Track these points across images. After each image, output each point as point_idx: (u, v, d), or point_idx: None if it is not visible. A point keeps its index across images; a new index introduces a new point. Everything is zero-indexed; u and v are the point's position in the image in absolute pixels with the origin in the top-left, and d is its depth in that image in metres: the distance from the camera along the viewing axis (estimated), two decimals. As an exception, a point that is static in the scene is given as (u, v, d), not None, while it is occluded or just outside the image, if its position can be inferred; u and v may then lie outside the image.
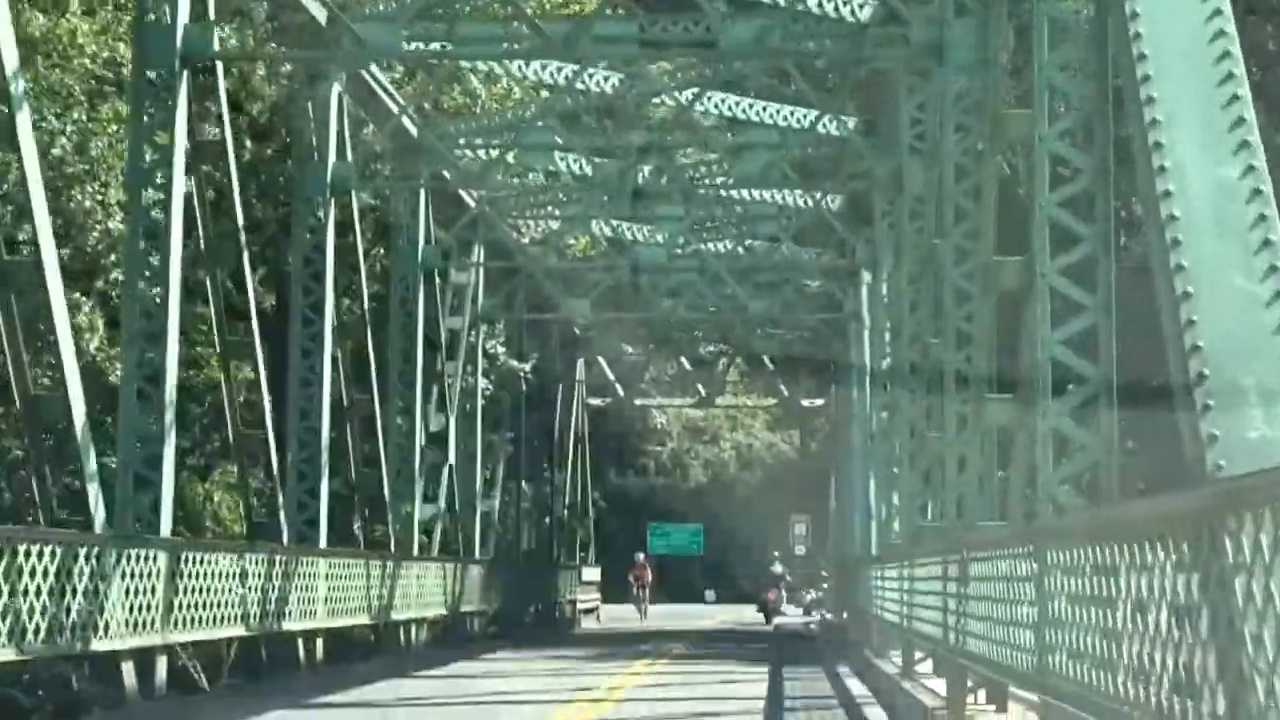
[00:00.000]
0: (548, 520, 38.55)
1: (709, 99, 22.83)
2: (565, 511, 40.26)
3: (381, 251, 27.85)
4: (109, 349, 23.00)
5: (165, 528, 14.92)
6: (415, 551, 24.05)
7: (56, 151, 23.74)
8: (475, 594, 27.62)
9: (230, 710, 14.71)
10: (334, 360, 20.44)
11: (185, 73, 15.14)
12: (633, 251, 29.32)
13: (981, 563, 11.22)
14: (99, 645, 12.83)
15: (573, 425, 40.54)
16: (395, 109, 21.75)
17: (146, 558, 13.68)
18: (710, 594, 60.49)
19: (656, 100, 23.96)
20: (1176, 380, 5.75)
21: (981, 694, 13.24)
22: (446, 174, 24.50)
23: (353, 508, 22.98)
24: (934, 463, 17.11)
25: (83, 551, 12.44)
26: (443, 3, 18.30)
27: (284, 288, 23.99)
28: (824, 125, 23.18)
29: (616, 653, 25.25)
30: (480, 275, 28.12)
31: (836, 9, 18.31)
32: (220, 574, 15.38)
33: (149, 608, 13.70)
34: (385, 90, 21.38)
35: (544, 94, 24.61)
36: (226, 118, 16.93)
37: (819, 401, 44.23)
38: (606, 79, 22.37)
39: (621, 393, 43.75)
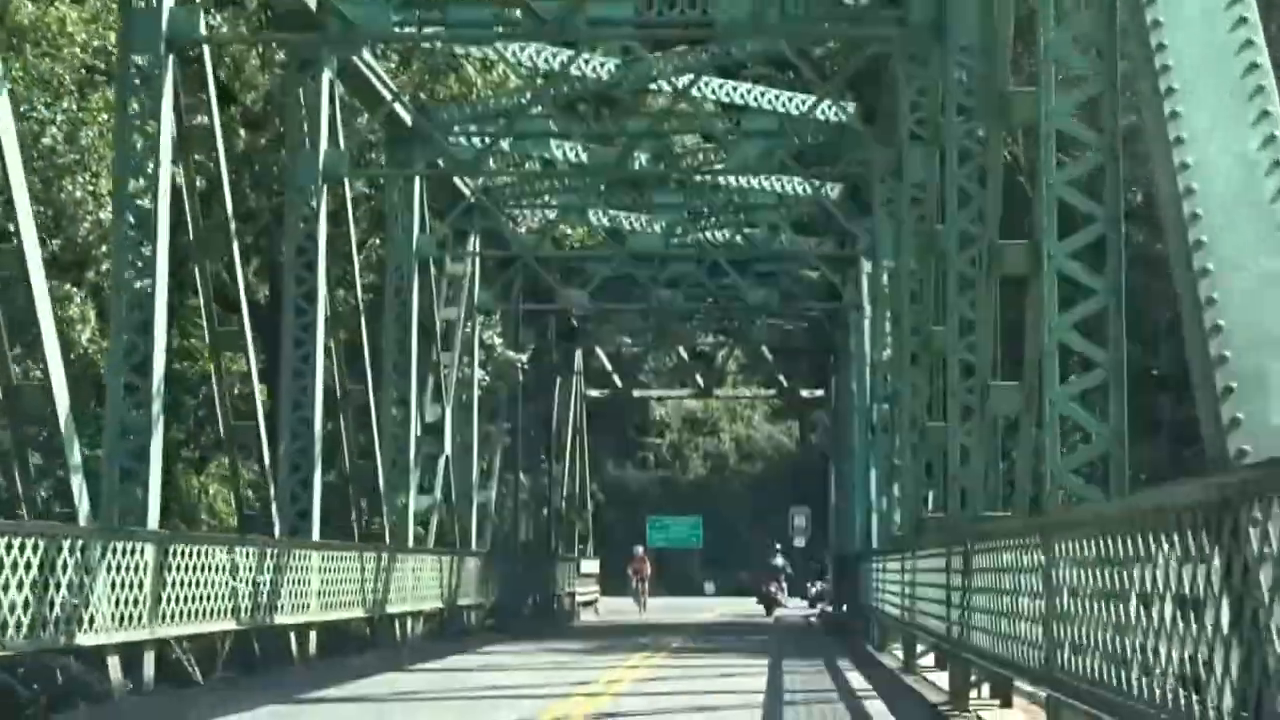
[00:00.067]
0: (545, 512, 38.30)
1: (706, 84, 22.55)
2: (563, 503, 40.01)
3: (377, 242, 27.60)
4: (101, 341, 22.75)
5: (153, 520, 14.65)
6: (411, 543, 23.79)
7: (47, 141, 23.46)
8: (472, 586, 27.37)
9: (220, 704, 14.43)
10: (328, 350, 20.18)
11: (172, 58, 14.85)
12: (631, 240, 29.04)
13: (986, 554, 10.97)
14: (84, 640, 12.57)
15: (570, 416, 40.27)
16: (389, 96, 21.43)
17: (133, 551, 13.41)
18: (710, 586, 60.26)
19: (654, 87, 23.66)
20: (1194, 362, 5.47)
21: (985, 688, 13.02)
22: (441, 163, 24.20)
23: (348, 500, 22.73)
24: (936, 453, 16.88)
25: (66, 544, 12.17)
26: (435, -15, 18.02)
27: (278, 278, 23.73)
28: (823, 112, 22.89)
29: (615, 646, 25.02)
30: (476, 265, 27.85)
31: (834, -12, 18.03)
32: (210, 567, 15.11)
33: (136, 601, 13.43)
34: (378, 77, 21.08)
35: (540, 81, 24.32)
36: (215, 104, 16.62)
37: (819, 392, 43.98)
38: (603, 64, 22.08)
39: (620, 384, 43.49)
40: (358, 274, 22.35)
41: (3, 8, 19.68)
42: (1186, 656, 5.67)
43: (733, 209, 28.99)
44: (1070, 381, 9.14)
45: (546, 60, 21.93)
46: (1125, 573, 6.48)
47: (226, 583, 15.61)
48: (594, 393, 43.35)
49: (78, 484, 12.98)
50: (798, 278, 32.77)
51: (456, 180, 26.20)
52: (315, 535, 19.11)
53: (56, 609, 11.92)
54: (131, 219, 14.80)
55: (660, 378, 50.35)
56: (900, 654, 18.75)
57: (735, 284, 29.66)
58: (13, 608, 11.26)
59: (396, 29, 17.96)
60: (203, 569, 14.91)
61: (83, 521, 13.13)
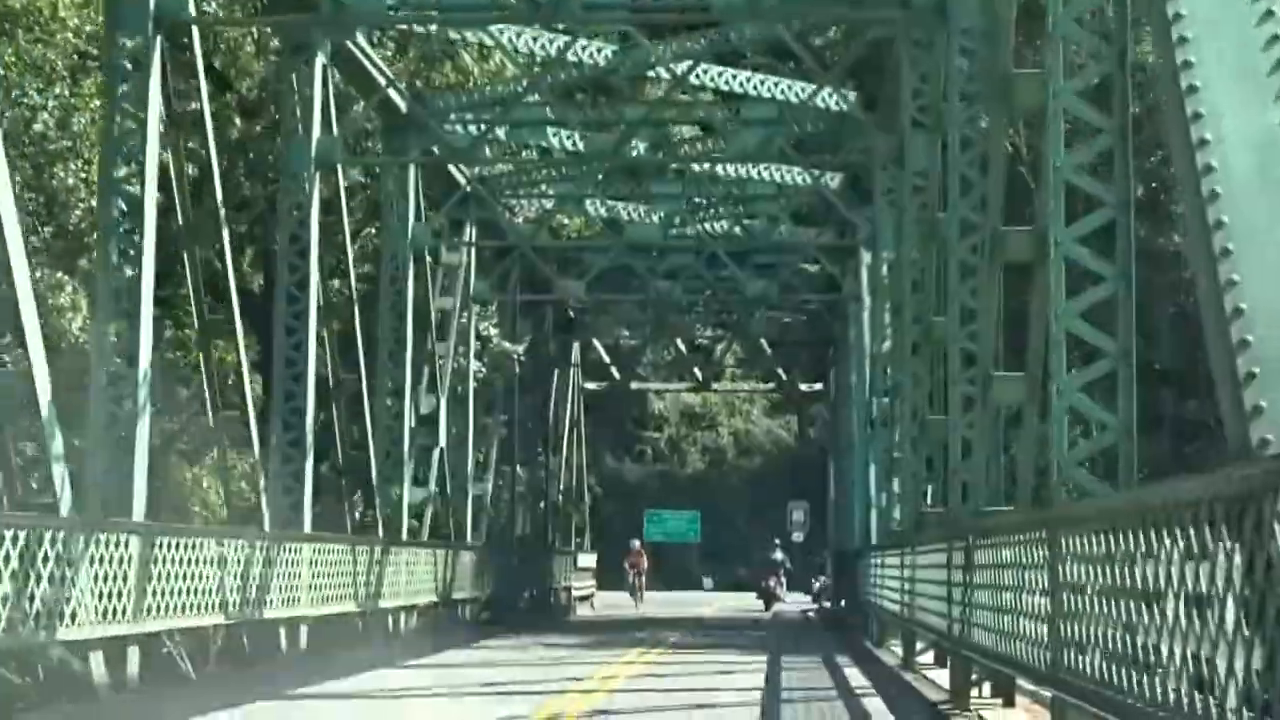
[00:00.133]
0: (542, 505, 38.05)
1: (705, 72, 22.26)
2: (560, 496, 39.75)
3: (373, 231, 27.33)
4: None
5: (138, 511, 14.37)
6: (405, 536, 23.53)
7: (38, 127, 23.20)
8: (467, 580, 27.12)
9: (206, 700, 14.19)
10: (321, 340, 19.91)
11: (160, 39, 14.55)
12: (628, 231, 28.76)
13: (988, 550, 10.71)
14: (66, 634, 12.27)
15: (568, 409, 40.01)
16: (383, 81, 21.14)
17: (117, 543, 13.11)
18: (708, 581, 60.05)
19: (651, 74, 23.37)
20: (1214, 347, 5.18)
21: (987, 686, 12.78)
22: (436, 150, 23.90)
23: (342, 492, 22.47)
24: (936, 447, 16.64)
25: (48, 536, 11.87)
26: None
27: (272, 267, 23.47)
28: (823, 100, 22.61)
29: (611, 641, 24.79)
30: (472, 255, 27.59)
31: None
32: (197, 560, 14.82)
33: (120, 595, 13.14)
34: (373, 63, 20.79)
35: (536, 69, 24.02)
36: (204, 87, 16.32)
37: (817, 386, 43.74)
38: (600, 51, 21.79)
39: (618, 376, 43.23)
40: (351, 262, 22.06)
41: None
42: (1203, 657, 5.42)
43: (732, 200, 28.72)
44: (1077, 371, 8.84)
45: (543, 46, 21.65)
46: (1135, 569, 6.22)
47: (214, 576, 15.32)
48: (591, 385, 43.10)
49: (59, 474, 12.68)
50: (797, 270, 32.50)
51: (452, 169, 25.92)
52: (307, 528, 18.83)
53: (37, 602, 11.63)
54: (118, 204, 14.50)
55: (658, 371, 50.07)
56: (899, 650, 18.52)
57: (734, 276, 29.37)
58: (-9, 601, 10.98)
59: (391, 12, 17.65)
60: (190, 562, 14.62)
61: (65, 512, 12.83)
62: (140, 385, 14.28)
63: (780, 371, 43.20)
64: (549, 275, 28.86)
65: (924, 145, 17.40)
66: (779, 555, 44.38)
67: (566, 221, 31.70)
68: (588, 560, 42.91)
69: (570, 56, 21.39)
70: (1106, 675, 6.91)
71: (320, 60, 18.92)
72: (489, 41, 22.19)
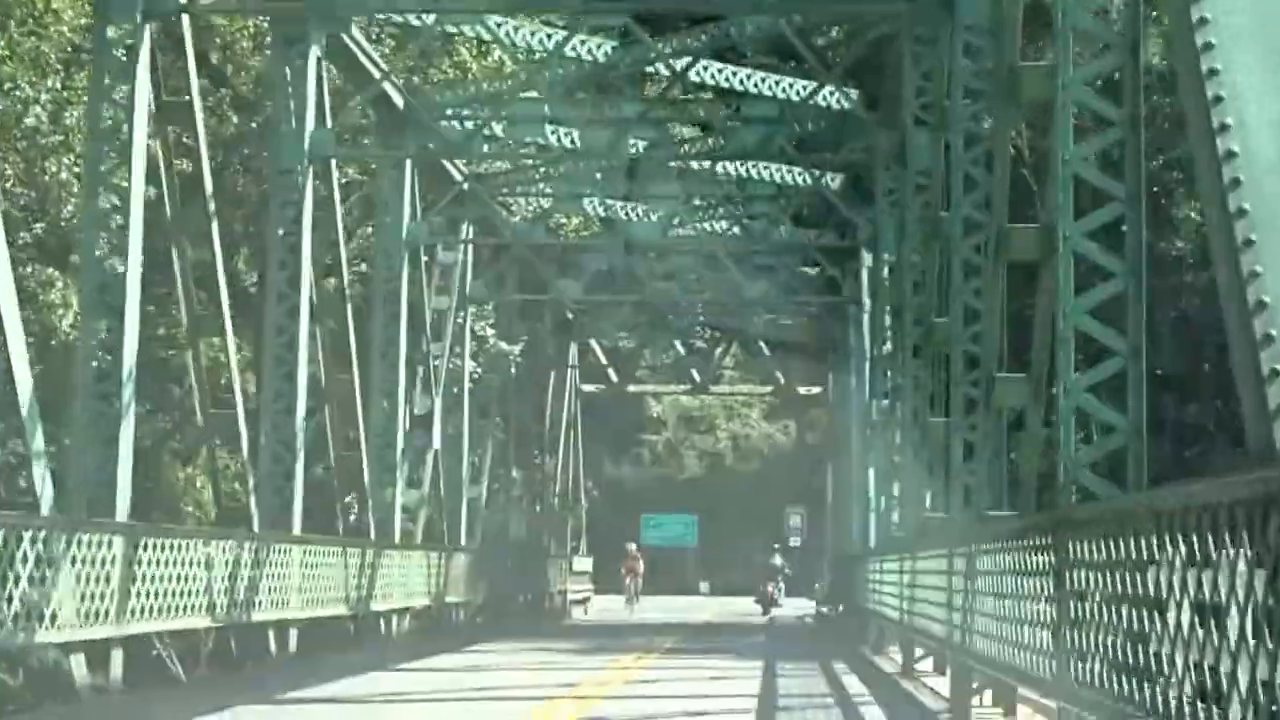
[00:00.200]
0: (538, 508, 37.77)
1: (705, 69, 21.99)
2: (556, 500, 39.47)
3: (369, 230, 27.06)
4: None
5: (122, 511, 14.08)
6: (397, 539, 23.25)
7: (30, 121, 22.96)
8: (461, 583, 26.83)
9: (192, 703, 13.93)
10: (314, 338, 19.64)
11: (149, 28, 14.27)
12: (627, 230, 28.48)
13: (991, 555, 10.45)
14: (46, 637, 11.98)
15: (565, 411, 39.73)
16: (378, 74, 20.86)
17: (100, 543, 12.83)
18: (704, 586, 59.80)
19: (651, 70, 23.10)
20: (1235, 342, 4.90)
21: (988, 695, 12.53)
22: (432, 147, 23.62)
23: (334, 493, 22.19)
24: (938, 450, 16.40)
25: (27, 536, 11.58)
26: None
27: (266, 265, 23.20)
28: (824, 98, 22.35)
29: (606, 646, 24.56)
30: (469, 254, 27.32)
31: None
32: (184, 561, 14.54)
33: (103, 597, 12.86)
34: (368, 56, 20.51)
35: (535, 64, 23.74)
36: (194, 77, 16.02)
37: (816, 389, 43.50)
38: (599, 46, 21.51)
39: (615, 378, 42.97)
40: (344, 259, 21.77)
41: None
42: (1213, 667, 5.17)
43: (731, 201, 28.45)
44: (1085, 371, 8.56)
45: (541, 42, 21.38)
46: (1148, 576, 5.95)
47: (201, 578, 15.04)
48: (589, 388, 42.84)
49: (40, 471, 12.40)
50: (796, 272, 32.24)
51: (449, 167, 25.65)
52: (297, 529, 18.56)
53: (15, 604, 11.35)
54: (104, 196, 14.22)
55: (656, 374, 49.81)
56: (898, 657, 18.27)
57: (733, 277, 29.09)
58: (-32, 601, 10.70)
59: (386, 1, 17.36)
60: (176, 563, 14.33)
61: (46, 512, 12.55)
62: (126, 382, 13.98)
63: (779, 375, 42.96)
64: (546, 275, 28.60)
65: (927, 143, 17.17)
66: (778, 560, 44.16)
67: (564, 221, 31.43)
68: (584, 564, 42.64)
69: (569, 51, 21.11)
70: (1115, 686, 6.64)
71: (314, 52, 18.65)
72: (486, 36, 21.89)
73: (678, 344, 42.18)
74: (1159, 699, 5.86)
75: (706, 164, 25.59)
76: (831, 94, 22.46)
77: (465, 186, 26.09)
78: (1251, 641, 4.69)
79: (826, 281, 31.59)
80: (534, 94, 23.51)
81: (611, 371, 42.85)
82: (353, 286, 26.15)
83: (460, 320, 27.25)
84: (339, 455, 21.28)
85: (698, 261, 31.01)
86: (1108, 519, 6.80)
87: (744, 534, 58.26)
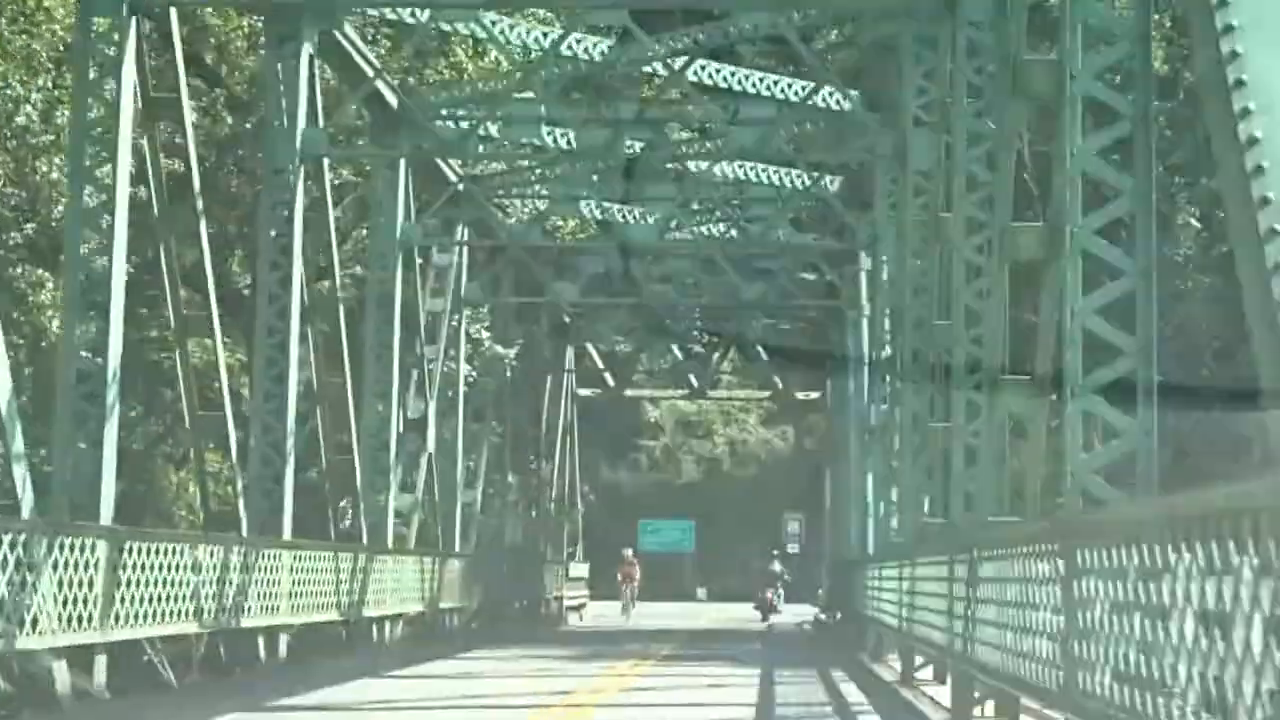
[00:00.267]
0: (534, 513, 37.49)
1: (703, 69, 21.72)
2: (552, 504, 39.19)
3: (365, 232, 26.80)
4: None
5: (106, 515, 13.80)
6: (390, 544, 22.98)
7: (20, 120, 22.69)
8: (455, 589, 26.56)
9: (178, 711, 13.70)
10: (306, 340, 19.38)
11: (135, 21, 14.01)
12: (623, 232, 28.21)
13: (995, 562, 10.19)
14: (26, 643, 11.72)
15: (561, 415, 39.46)
16: (371, 72, 20.58)
17: (83, 547, 12.56)
18: (701, 592, 59.51)
19: (648, 69, 22.83)
20: (1259, 338, 4.64)
21: (990, 705, 12.26)
22: (426, 147, 23.34)
23: (326, 497, 21.92)
24: (938, 455, 16.17)
25: (7, 539, 11.32)
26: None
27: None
28: (824, 99, 22.10)
29: (602, 653, 24.27)
30: (464, 256, 27.05)
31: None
32: (170, 566, 14.27)
33: (86, 602, 12.59)
34: (360, 53, 20.25)
35: (531, 63, 23.44)
36: (182, 72, 15.74)
37: (814, 394, 43.25)
38: (595, 45, 21.25)
39: (612, 383, 42.70)
40: (336, 260, 21.50)
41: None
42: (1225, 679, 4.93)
43: (729, 203, 28.20)
44: (1096, 372, 8.29)
45: (537, 40, 21.12)
46: (1163, 585, 5.69)
47: (188, 582, 14.77)
48: (585, 392, 42.57)
49: (20, 474, 12.13)
50: (794, 277, 31.99)
51: (444, 168, 25.39)
52: (287, 534, 18.29)
53: (-5, 608, 11.09)
54: (89, 192, 13.94)
55: (654, 378, 49.56)
56: (897, 665, 18.02)
57: (731, 279, 28.85)
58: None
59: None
60: (162, 568, 14.07)
61: (26, 515, 12.27)
62: (111, 383, 13.71)
63: (777, 380, 42.71)
64: (542, 278, 28.35)
65: (927, 144, 16.94)
66: (777, 567, 43.91)
67: (560, 223, 31.17)
68: (580, 570, 42.35)
69: (565, 51, 20.84)
70: (1124, 697, 6.39)
71: (306, 49, 18.38)
72: (481, 34, 21.61)
73: (675, 348, 41.94)
74: (1170, 713, 5.60)
75: (704, 166, 25.33)
76: (830, 95, 22.22)
77: (460, 188, 25.82)
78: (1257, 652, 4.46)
79: (825, 286, 31.37)
80: (529, 94, 23.25)
81: (608, 376, 42.57)
82: (347, 289, 25.90)
83: (455, 323, 26.99)
84: (331, 459, 21.02)
85: (695, 265, 30.77)
86: (1119, 525, 6.54)
87: (742, 540, 57.99)
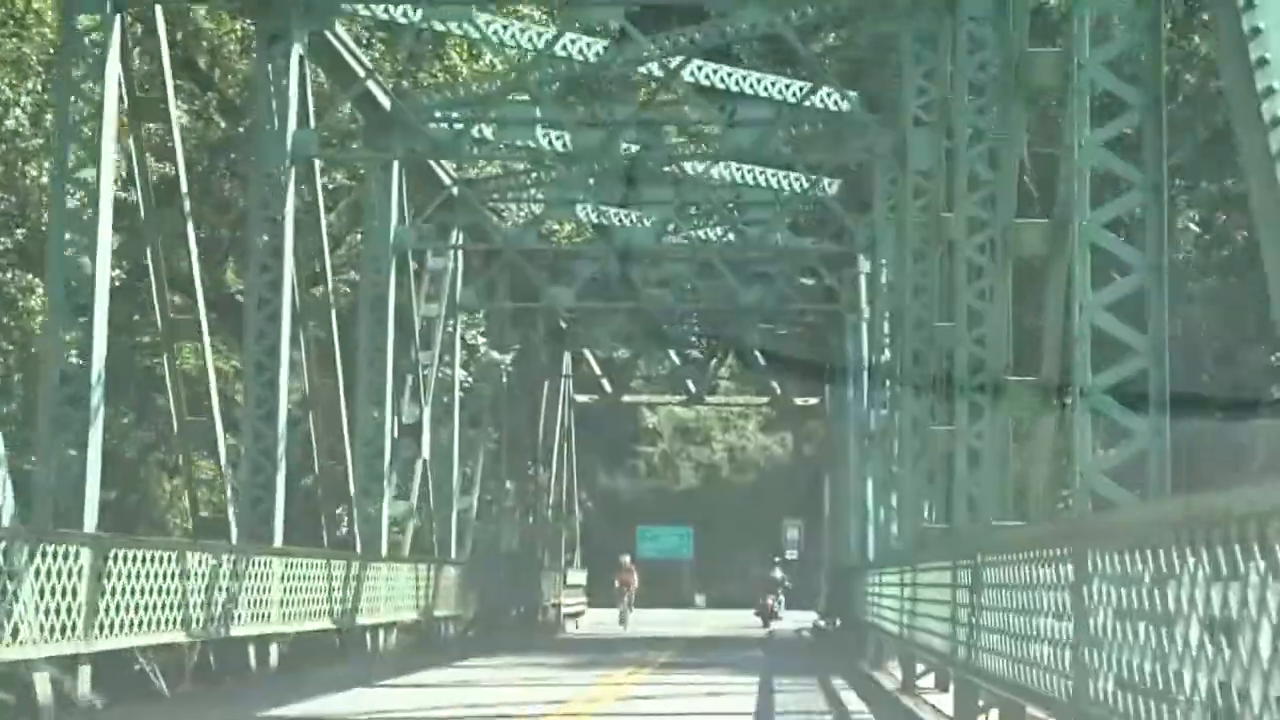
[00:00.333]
0: (531, 520, 37.22)
1: (700, 69, 21.46)
2: (549, 511, 38.92)
3: (359, 237, 26.55)
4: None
5: (90, 522, 13.52)
6: (384, 551, 22.71)
7: (10, 124, 22.46)
8: (451, 597, 26.28)
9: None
10: (299, 345, 19.11)
11: (120, 20, 13.75)
12: (620, 235, 27.95)
13: (1000, 568, 9.93)
14: (7, 653, 11.43)
15: (558, 421, 39.19)
16: (362, 73, 20.32)
17: (66, 555, 12.27)
18: (700, 599, 59.26)
19: (644, 71, 22.57)
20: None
21: (994, 714, 12.00)
22: (419, 149, 23.06)
23: (318, 504, 21.64)
24: (939, 460, 15.93)
25: (-13, 546, 11.05)
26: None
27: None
28: (821, 100, 21.86)
29: (599, 661, 24.05)
30: (459, 261, 26.79)
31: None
32: (157, 574, 13.99)
33: (69, 611, 12.30)
34: (352, 54, 19.99)
35: (525, 63, 23.19)
36: (168, 68, 15.48)
37: (813, 400, 43.02)
38: (590, 45, 20.99)
39: (609, 389, 42.45)
40: (328, 263, 21.24)
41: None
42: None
43: (727, 206, 27.95)
44: (1106, 371, 8.02)
45: (531, 40, 20.86)
46: (1182, 590, 5.43)
47: (176, 590, 14.50)
48: (582, 398, 42.33)
49: (0, 479, 11.85)
50: (791, 279, 31.74)
51: (439, 172, 25.14)
52: (278, 541, 18.02)
53: (-28, 618, 10.82)
54: (72, 193, 13.68)
55: (651, 384, 49.32)
56: (898, 673, 17.75)
57: (728, 284, 28.58)
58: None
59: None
60: (148, 576, 13.79)
61: (6, 522, 12.00)
62: (95, 386, 13.44)
63: (775, 385, 42.49)
64: (538, 282, 28.09)
65: (927, 143, 16.70)
66: (778, 574, 43.68)
67: (556, 227, 30.91)
68: (578, 577, 42.08)
69: (559, 51, 20.58)
70: (1140, 709, 6.12)
71: (296, 49, 18.13)
72: (474, 34, 21.34)
73: (672, 354, 41.71)
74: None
75: (701, 168, 25.09)
76: (828, 95, 21.98)
77: (455, 191, 25.57)
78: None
79: (824, 290, 31.14)
80: (524, 96, 23.00)
81: (606, 382, 42.34)
82: (344, 296, 25.64)
83: (450, 328, 26.73)
84: (324, 465, 20.75)
85: (692, 269, 30.53)
86: (1132, 528, 6.27)
87: (740, 546, 57.75)
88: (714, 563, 59.72)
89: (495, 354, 30.04)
